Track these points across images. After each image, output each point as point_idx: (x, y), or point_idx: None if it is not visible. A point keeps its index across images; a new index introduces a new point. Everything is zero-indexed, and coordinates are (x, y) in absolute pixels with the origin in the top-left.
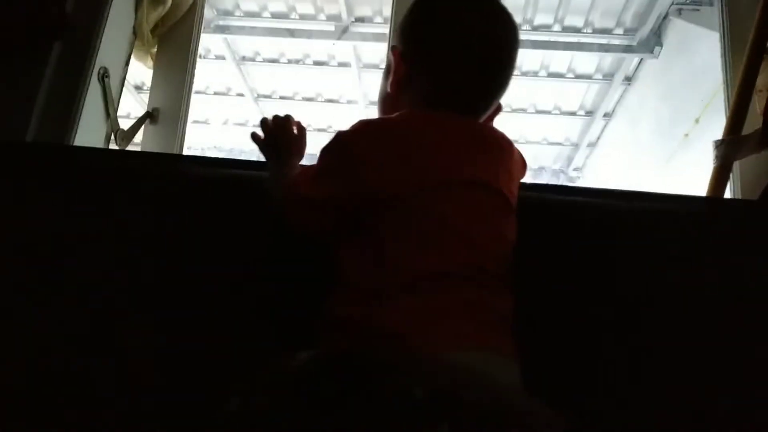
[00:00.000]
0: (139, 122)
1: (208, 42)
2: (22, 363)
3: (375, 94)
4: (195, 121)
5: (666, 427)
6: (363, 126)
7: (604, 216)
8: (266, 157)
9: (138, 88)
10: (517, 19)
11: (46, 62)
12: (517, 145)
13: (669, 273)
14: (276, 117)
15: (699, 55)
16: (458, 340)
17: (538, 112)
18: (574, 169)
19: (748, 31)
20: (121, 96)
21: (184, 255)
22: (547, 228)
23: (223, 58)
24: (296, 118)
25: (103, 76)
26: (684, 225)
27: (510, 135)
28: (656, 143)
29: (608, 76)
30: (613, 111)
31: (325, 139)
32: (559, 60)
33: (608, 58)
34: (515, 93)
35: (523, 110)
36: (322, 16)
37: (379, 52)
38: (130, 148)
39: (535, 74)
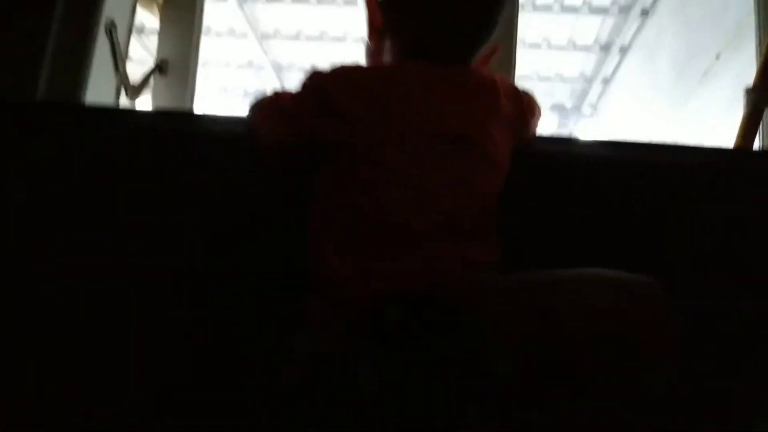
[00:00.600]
0: (148, 75)
1: None
2: (23, 320)
3: None
4: (200, 64)
5: None
6: (339, 72)
7: (622, 170)
8: None
9: (139, 30)
10: None
11: (50, 17)
12: (530, 82)
13: (692, 231)
14: None
15: None
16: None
17: (551, 47)
18: (588, 106)
19: None
20: (128, 47)
21: (197, 215)
22: (562, 182)
23: None
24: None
25: (110, 28)
26: (710, 179)
27: (522, 71)
28: (674, 80)
29: (624, 9)
30: (629, 46)
31: None
32: None
33: None
34: (528, 28)
35: (537, 45)
36: None
37: None
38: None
39: (549, 8)
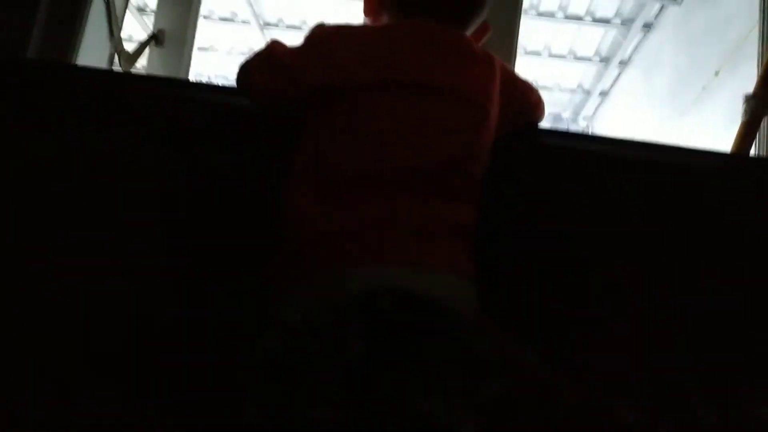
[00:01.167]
0: (144, 44)
1: None
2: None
3: None
4: (200, 48)
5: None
6: (341, 26)
7: (617, 166)
8: None
9: (141, 10)
10: None
11: None
12: None
13: (685, 231)
14: None
15: (723, 5)
16: (374, 253)
17: (551, 56)
18: (584, 118)
19: None
20: (125, 15)
21: (189, 186)
22: (554, 175)
23: None
24: None
25: None
26: (704, 181)
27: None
28: (672, 95)
29: (627, 22)
30: (629, 59)
31: None
32: (579, 1)
33: (629, 2)
34: (529, 35)
35: (537, 53)
36: None
37: None
38: (133, 70)
39: (552, 15)
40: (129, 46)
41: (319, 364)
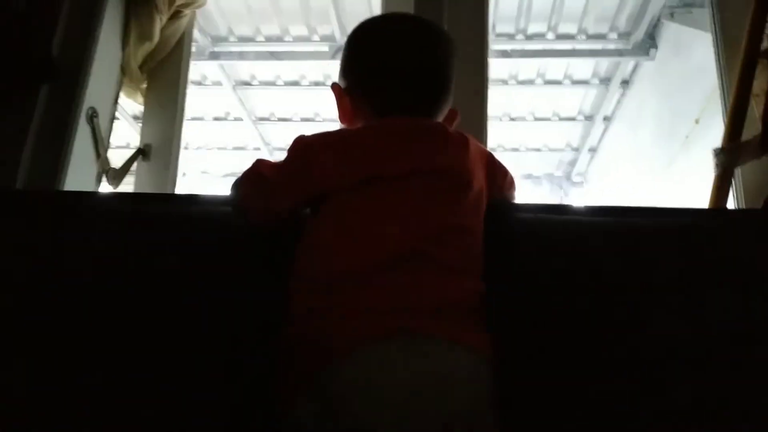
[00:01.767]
0: (131, 160)
1: (204, 69)
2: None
3: None
4: (196, 148)
5: None
6: (320, 134)
7: (600, 235)
8: None
9: (137, 118)
10: (510, 29)
11: (33, 105)
12: (517, 153)
13: (673, 291)
14: None
15: (694, 56)
16: (372, 330)
17: (536, 119)
18: (577, 175)
19: (741, 33)
20: (111, 134)
21: (180, 296)
22: (540, 248)
23: (219, 84)
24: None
25: (92, 116)
26: (687, 239)
27: (509, 143)
28: (658, 145)
29: (605, 81)
30: (612, 114)
31: None
32: (555, 67)
33: (604, 63)
34: (513, 102)
35: (522, 118)
36: (316, 37)
37: None
38: (122, 185)
39: (532, 82)
40: (127, 153)
41: None
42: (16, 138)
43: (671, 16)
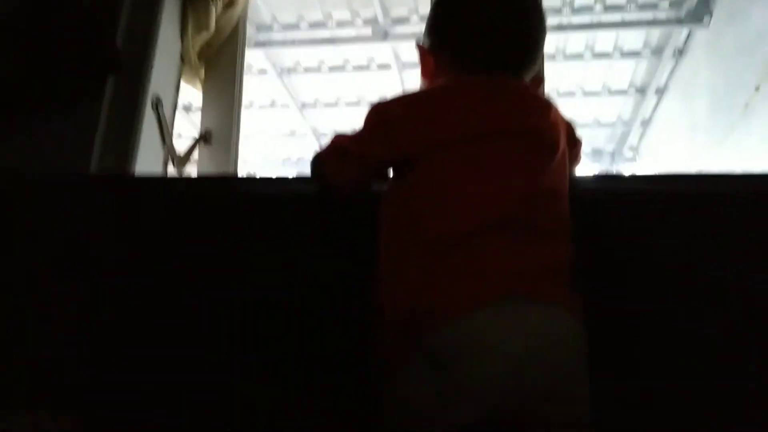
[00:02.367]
0: (194, 145)
1: (249, 57)
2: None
3: None
4: (245, 136)
5: None
6: (398, 97)
7: (665, 203)
8: None
9: (187, 108)
10: (556, 2)
11: (102, 96)
12: None
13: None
14: None
15: (752, 21)
16: (481, 294)
17: (586, 94)
18: (629, 149)
19: None
20: (174, 121)
21: (248, 274)
22: (603, 220)
23: (265, 72)
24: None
25: (157, 104)
26: (753, 206)
27: None
28: (714, 116)
29: (657, 51)
30: (665, 86)
31: None
32: (604, 39)
33: (656, 33)
34: (562, 77)
35: (571, 93)
36: (359, 21)
37: None
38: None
39: (580, 56)
40: (179, 144)
41: None
42: (88, 128)
43: None
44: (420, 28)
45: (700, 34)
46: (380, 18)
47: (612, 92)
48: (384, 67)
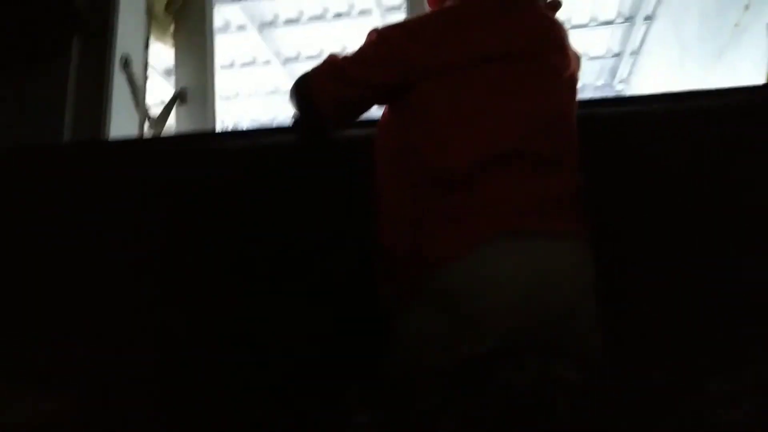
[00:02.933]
0: (170, 105)
1: (226, 13)
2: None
3: None
4: (227, 97)
5: None
6: (398, 22)
7: (658, 123)
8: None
9: (169, 72)
10: None
11: (68, 59)
12: None
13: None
14: None
15: None
16: (480, 232)
17: (573, 27)
18: (620, 82)
19: None
20: (146, 81)
21: (234, 229)
22: (598, 143)
23: (244, 27)
24: None
25: (125, 63)
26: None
27: None
28: (704, 39)
29: None
30: (654, 12)
31: None
32: None
33: None
34: None
35: None
36: None
37: None
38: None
39: None
40: (160, 110)
41: None
42: (56, 94)
43: None
44: None
45: None
46: None
47: (600, 23)
48: (365, 12)
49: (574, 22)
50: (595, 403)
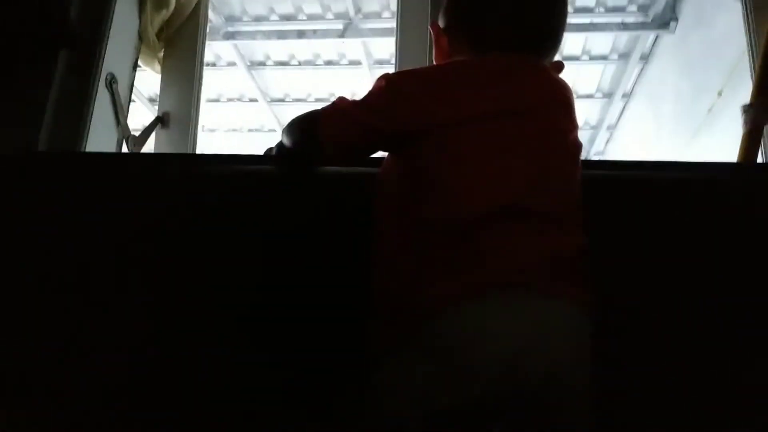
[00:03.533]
0: (150, 127)
1: (218, 49)
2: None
3: None
4: (210, 130)
5: None
6: (409, 69)
7: (629, 188)
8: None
9: (152, 100)
10: None
11: (53, 71)
12: None
13: (700, 245)
14: None
15: (716, 26)
16: (476, 287)
17: None
18: (595, 154)
19: None
20: (130, 102)
21: (204, 254)
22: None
23: (234, 64)
24: None
25: (111, 82)
26: (714, 193)
27: None
28: (679, 120)
29: (624, 56)
30: (632, 91)
31: None
32: (573, 42)
33: (623, 37)
34: None
35: None
36: (330, 15)
37: (388, 48)
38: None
39: None
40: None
41: None
42: (37, 102)
43: None
44: (391, 24)
45: (667, 39)
46: (351, 13)
47: (579, 96)
48: (355, 63)
49: None
50: None
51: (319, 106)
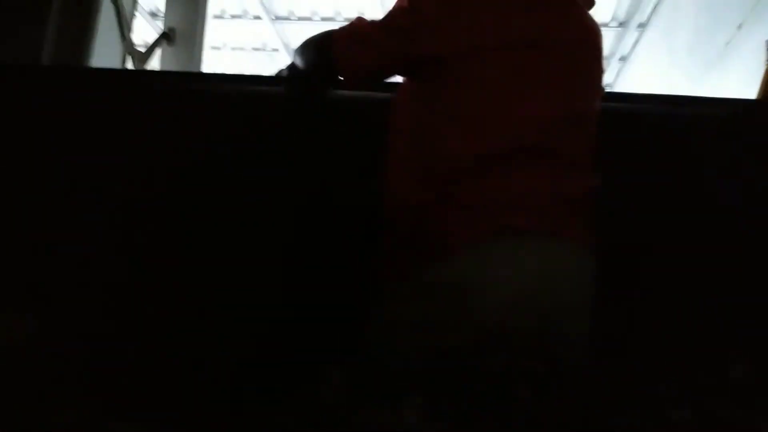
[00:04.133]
0: (156, 43)
1: None
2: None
3: None
4: (213, 47)
5: None
6: None
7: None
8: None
9: (154, 14)
10: None
11: None
12: None
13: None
14: None
15: None
16: (485, 228)
17: None
18: (606, 86)
19: None
20: (134, 17)
21: (205, 174)
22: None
23: None
24: None
25: None
26: (730, 130)
27: None
28: (694, 53)
29: None
30: (648, 21)
31: None
32: None
33: None
34: None
35: None
36: None
37: None
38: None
39: None
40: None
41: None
42: (39, 14)
43: None
44: None
45: None
46: None
47: None
48: None
49: None
50: (566, 399)
51: (324, 25)
